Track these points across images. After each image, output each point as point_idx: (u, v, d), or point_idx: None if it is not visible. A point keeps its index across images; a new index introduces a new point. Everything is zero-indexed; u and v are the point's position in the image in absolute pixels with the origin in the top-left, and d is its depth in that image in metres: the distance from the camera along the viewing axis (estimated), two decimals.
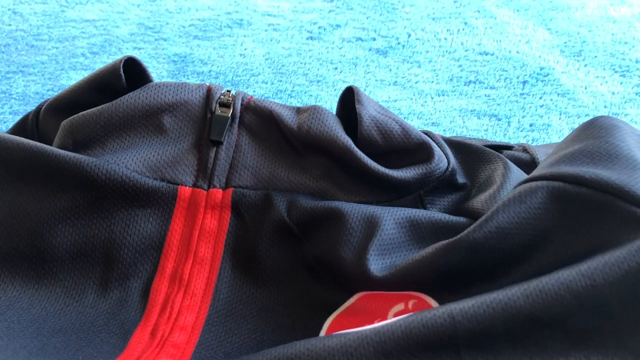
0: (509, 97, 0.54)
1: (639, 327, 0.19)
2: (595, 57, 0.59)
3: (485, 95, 0.54)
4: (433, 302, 0.25)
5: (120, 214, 0.29)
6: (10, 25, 0.61)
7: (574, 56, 0.59)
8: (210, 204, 0.30)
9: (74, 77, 0.55)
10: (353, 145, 0.30)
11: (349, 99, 0.33)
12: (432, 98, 0.54)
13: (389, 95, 0.54)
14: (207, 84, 0.33)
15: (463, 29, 0.63)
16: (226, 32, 0.61)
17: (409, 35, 0.62)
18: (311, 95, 0.53)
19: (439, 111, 0.52)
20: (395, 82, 0.55)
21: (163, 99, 0.32)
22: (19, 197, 0.29)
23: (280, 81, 0.55)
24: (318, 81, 0.55)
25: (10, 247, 0.28)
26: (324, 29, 0.62)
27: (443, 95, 0.54)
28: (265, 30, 0.62)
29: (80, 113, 0.31)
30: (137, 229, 0.29)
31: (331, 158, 0.30)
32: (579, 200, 0.22)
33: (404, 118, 0.51)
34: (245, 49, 0.59)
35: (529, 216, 0.23)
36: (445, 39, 0.61)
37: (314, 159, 0.31)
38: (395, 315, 0.25)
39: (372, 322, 0.25)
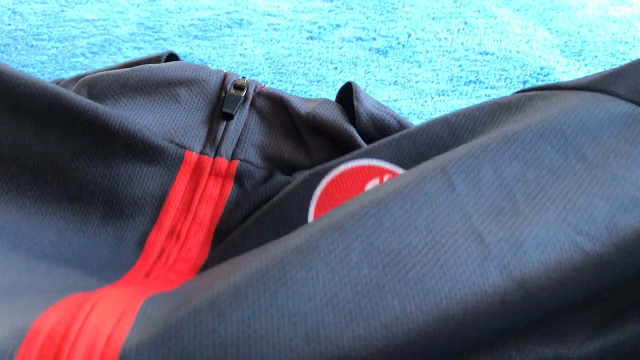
0: None
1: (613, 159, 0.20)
2: (596, 56, 0.59)
3: (486, 95, 0.54)
4: None
5: (125, 167, 0.29)
6: (9, 25, 0.61)
7: (574, 56, 0.59)
8: (215, 172, 0.31)
9: None
10: (356, 133, 0.31)
11: (347, 95, 0.33)
12: (432, 98, 0.54)
13: (389, 95, 0.54)
14: (224, 71, 0.35)
15: (463, 29, 0.63)
16: (226, 32, 0.61)
17: (409, 35, 0.62)
18: (311, 95, 0.53)
19: (440, 111, 0.52)
20: (396, 81, 0.55)
21: (183, 73, 0.33)
22: (24, 134, 0.28)
23: (280, 81, 0.55)
24: (318, 81, 0.55)
25: (7, 180, 0.28)
26: (324, 29, 0.62)
27: (443, 95, 0.54)
28: (265, 30, 0.62)
29: (102, 72, 0.32)
30: (140, 183, 0.29)
31: (335, 144, 0.31)
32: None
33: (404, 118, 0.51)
34: (245, 49, 0.59)
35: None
36: (446, 38, 0.61)
37: (318, 144, 0.32)
38: None
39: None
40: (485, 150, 0.20)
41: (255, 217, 0.28)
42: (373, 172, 0.26)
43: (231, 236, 0.28)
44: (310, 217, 0.27)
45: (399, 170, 0.26)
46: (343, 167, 0.27)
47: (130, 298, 0.19)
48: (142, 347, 0.16)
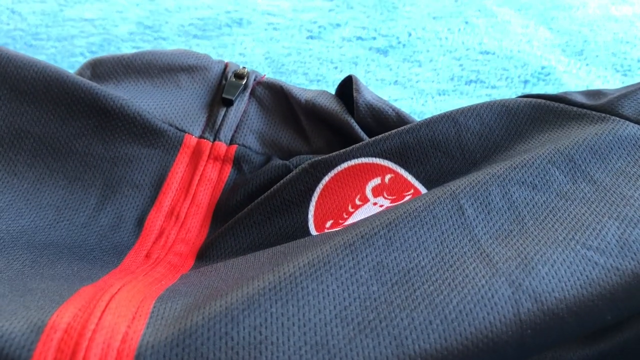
0: (510, 96, 0.54)
1: (621, 184, 0.20)
2: (597, 56, 0.59)
3: (487, 94, 0.54)
4: (409, 177, 0.26)
5: (124, 148, 0.29)
6: (8, 24, 0.61)
7: (575, 55, 0.59)
8: (213, 155, 0.31)
9: None
10: (353, 122, 0.31)
11: (347, 88, 0.34)
12: (432, 97, 0.53)
13: (389, 94, 0.54)
14: (226, 61, 0.36)
15: (464, 28, 0.63)
16: (226, 31, 0.61)
17: (410, 35, 0.62)
18: None
19: (440, 110, 0.52)
20: (396, 81, 0.55)
21: (185, 60, 0.34)
22: (22, 116, 0.28)
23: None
24: (318, 80, 0.55)
25: (5, 164, 0.28)
26: (324, 28, 0.62)
27: (444, 94, 0.54)
28: (265, 30, 0.61)
29: (107, 55, 0.33)
30: (139, 165, 0.30)
31: (333, 131, 0.32)
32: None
33: None
34: (245, 48, 0.59)
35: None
36: (446, 38, 0.61)
37: (317, 131, 0.32)
38: (373, 189, 0.27)
39: (352, 198, 0.27)
40: (495, 176, 0.21)
41: (255, 204, 0.28)
42: (375, 170, 0.27)
43: (231, 222, 0.28)
44: (311, 212, 0.27)
45: (401, 171, 0.26)
46: (346, 164, 0.27)
47: (142, 296, 0.20)
48: (158, 346, 0.16)
